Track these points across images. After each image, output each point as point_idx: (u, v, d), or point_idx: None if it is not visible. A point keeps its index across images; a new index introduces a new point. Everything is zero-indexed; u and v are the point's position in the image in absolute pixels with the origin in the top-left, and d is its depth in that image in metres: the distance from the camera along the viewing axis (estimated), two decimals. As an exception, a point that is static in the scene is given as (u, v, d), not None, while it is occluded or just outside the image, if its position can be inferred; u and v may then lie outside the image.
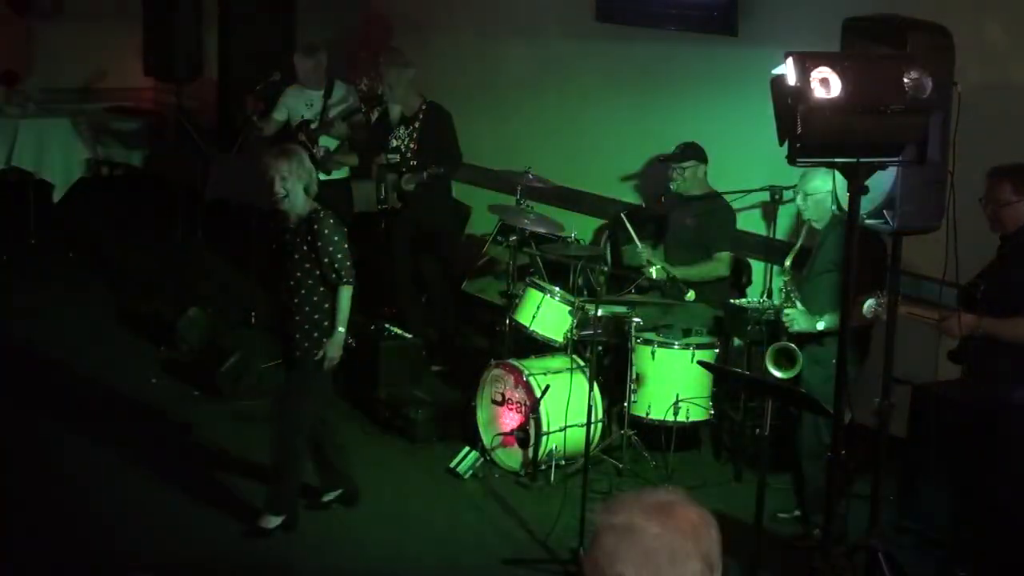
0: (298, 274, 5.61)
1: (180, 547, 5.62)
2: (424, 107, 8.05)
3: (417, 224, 8.16)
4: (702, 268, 6.96)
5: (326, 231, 5.57)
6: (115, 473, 6.28)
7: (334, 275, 5.60)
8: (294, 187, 5.57)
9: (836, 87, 4.16)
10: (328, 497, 6.02)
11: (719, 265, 6.99)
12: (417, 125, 8.04)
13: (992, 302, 5.17)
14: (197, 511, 5.92)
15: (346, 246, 5.63)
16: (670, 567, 2.26)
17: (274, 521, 5.71)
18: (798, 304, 5.88)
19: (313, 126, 8.32)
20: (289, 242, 5.64)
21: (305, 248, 5.59)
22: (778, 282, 7.02)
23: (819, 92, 4.15)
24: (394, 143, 8.08)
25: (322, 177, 8.14)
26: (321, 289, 5.62)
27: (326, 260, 5.58)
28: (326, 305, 5.64)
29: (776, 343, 5.93)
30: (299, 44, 9.75)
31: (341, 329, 5.66)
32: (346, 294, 5.63)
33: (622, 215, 7.27)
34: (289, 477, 5.76)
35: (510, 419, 6.54)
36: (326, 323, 5.64)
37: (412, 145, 8.04)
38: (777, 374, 5.84)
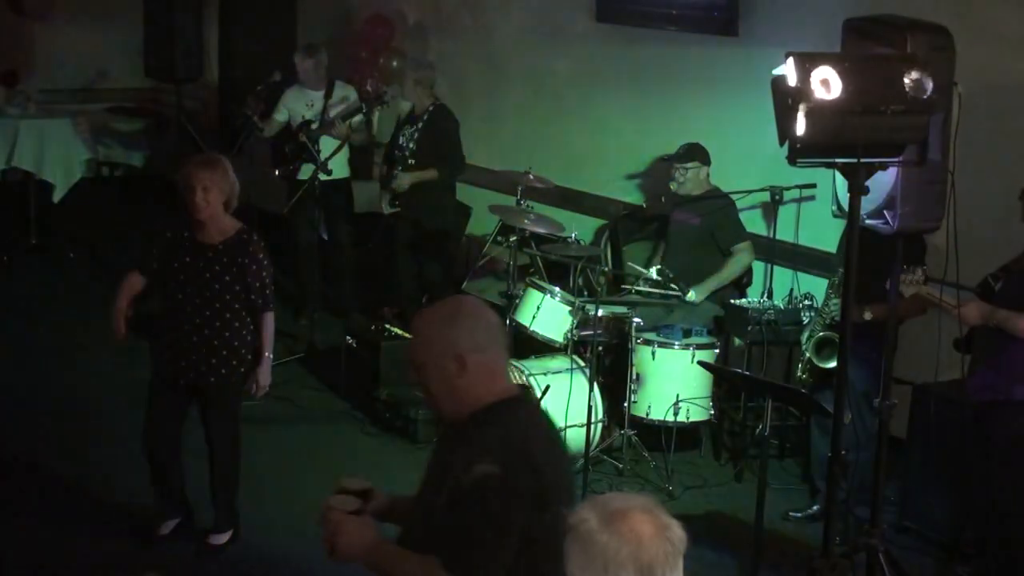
0: (227, 297, 5.26)
1: (180, 547, 5.61)
2: (431, 108, 8.05)
3: (419, 225, 8.16)
4: (729, 269, 6.92)
5: (260, 255, 5.28)
6: (114, 473, 6.28)
7: (261, 300, 5.31)
8: (216, 200, 5.21)
9: (836, 87, 4.16)
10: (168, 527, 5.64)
11: (742, 258, 6.95)
12: (420, 126, 8.06)
13: (1011, 295, 5.14)
14: (197, 511, 5.91)
15: (271, 270, 5.37)
16: (603, 574, 2.30)
17: (225, 536, 5.58)
18: None
19: (314, 126, 8.33)
20: (213, 262, 5.25)
21: (235, 270, 5.25)
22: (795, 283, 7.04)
23: (819, 92, 4.15)
24: (400, 140, 8.10)
25: (322, 177, 8.19)
26: (243, 314, 5.31)
27: (257, 285, 5.28)
28: (244, 332, 5.33)
29: (820, 334, 5.88)
30: (299, 44, 9.76)
31: (270, 354, 5.42)
32: (272, 318, 5.38)
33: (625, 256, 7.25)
34: (236, 492, 5.59)
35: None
36: (243, 350, 5.34)
37: (412, 145, 8.05)
38: (823, 365, 5.81)
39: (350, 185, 8.70)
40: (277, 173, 8.67)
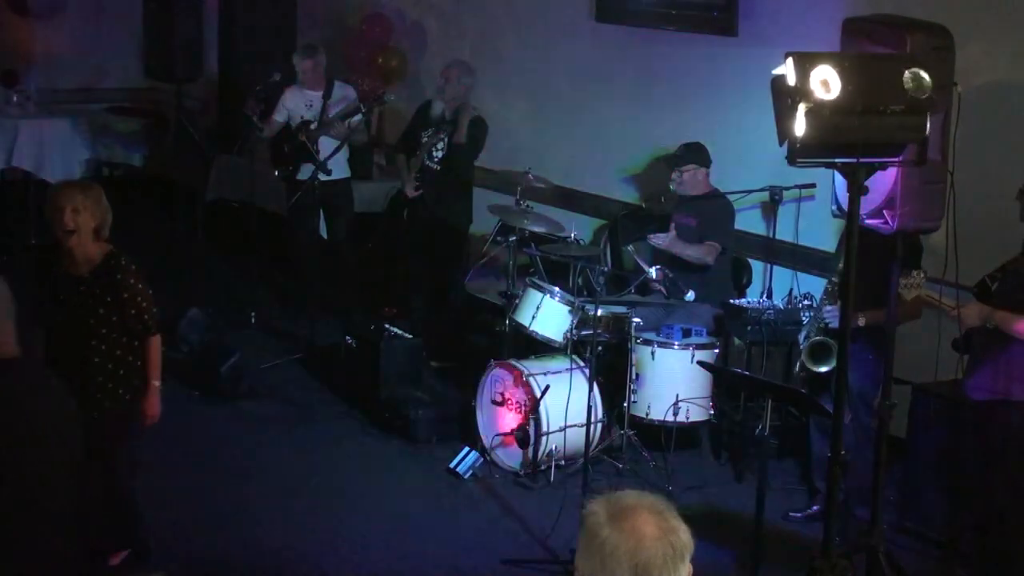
0: (103, 330, 4.99)
1: (179, 548, 5.61)
2: (470, 120, 8.04)
3: (435, 223, 8.16)
4: (692, 250, 6.87)
5: (132, 279, 4.99)
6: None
7: (141, 326, 5.01)
8: (86, 223, 4.97)
9: (836, 87, 4.16)
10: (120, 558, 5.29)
11: (706, 252, 6.89)
12: (451, 137, 8.05)
13: (1009, 296, 5.14)
14: (196, 512, 5.92)
15: (149, 291, 5.05)
16: (600, 568, 2.32)
17: (122, 556, 5.28)
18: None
19: (313, 127, 8.32)
20: (85, 295, 4.99)
21: (108, 299, 4.98)
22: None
23: (819, 92, 4.15)
24: (424, 139, 8.09)
25: (322, 177, 8.19)
26: (124, 340, 5.02)
27: (133, 311, 4.99)
28: (130, 358, 5.04)
29: (814, 339, 5.87)
30: (298, 44, 9.76)
31: (157, 383, 5.07)
32: (157, 344, 5.07)
33: (629, 249, 7.25)
34: (133, 517, 5.29)
35: (510, 419, 6.54)
36: (134, 379, 5.06)
37: (441, 151, 8.06)
38: (816, 369, 5.81)
39: (350, 185, 8.69)
40: (277, 173, 8.67)
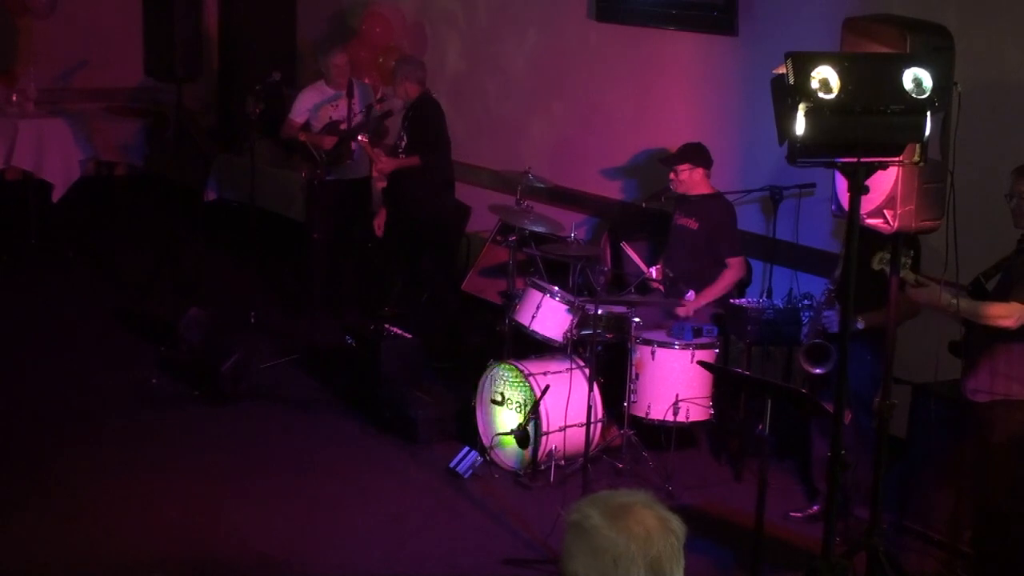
0: None
1: (179, 548, 5.61)
2: (416, 99, 8.13)
3: (416, 224, 8.17)
4: (721, 284, 6.82)
5: None
6: (114, 473, 6.28)
7: None
8: None
9: (836, 87, 4.16)
10: None
11: (731, 272, 6.89)
12: (405, 121, 8.13)
13: (1007, 292, 5.13)
14: (196, 512, 5.93)
15: None
16: (614, 569, 2.31)
17: None
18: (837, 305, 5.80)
19: (343, 126, 8.31)
20: None
21: None
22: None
23: (819, 92, 4.16)
24: (397, 139, 8.16)
25: (332, 176, 8.21)
26: None
27: None
28: None
29: (811, 341, 5.87)
30: (323, 44, 9.75)
31: None
32: None
33: (622, 244, 7.27)
34: None
35: (510, 419, 6.54)
36: None
37: (403, 135, 8.13)
38: (813, 370, 5.81)
39: (371, 184, 8.71)
40: (305, 175, 8.66)
